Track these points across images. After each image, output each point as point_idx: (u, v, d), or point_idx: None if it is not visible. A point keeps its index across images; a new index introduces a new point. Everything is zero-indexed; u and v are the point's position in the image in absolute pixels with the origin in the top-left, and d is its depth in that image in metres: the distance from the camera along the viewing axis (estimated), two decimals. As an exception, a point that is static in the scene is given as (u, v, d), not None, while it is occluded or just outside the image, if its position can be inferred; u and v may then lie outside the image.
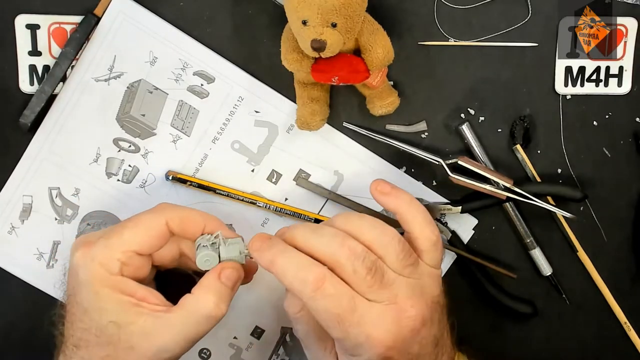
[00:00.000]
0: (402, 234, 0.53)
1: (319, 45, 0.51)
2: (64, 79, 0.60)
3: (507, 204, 0.63)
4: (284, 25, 0.56)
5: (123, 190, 0.63)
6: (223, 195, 0.62)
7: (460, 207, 0.62)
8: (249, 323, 0.65)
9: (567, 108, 0.63)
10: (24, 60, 0.60)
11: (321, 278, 0.47)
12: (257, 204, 0.63)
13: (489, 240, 0.65)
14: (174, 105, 0.62)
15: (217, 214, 0.57)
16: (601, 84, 0.63)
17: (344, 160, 0.63)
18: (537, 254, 0.64)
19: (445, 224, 0.64)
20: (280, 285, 0.50)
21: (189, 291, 0.53)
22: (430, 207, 0.61)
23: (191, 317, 0.51)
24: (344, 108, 0.62)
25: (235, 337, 0.65)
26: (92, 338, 0.51)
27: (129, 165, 0.63)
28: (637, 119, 0.63)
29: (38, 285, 0.64)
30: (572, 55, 0.62)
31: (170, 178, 0.62)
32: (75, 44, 0.59)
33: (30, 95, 0.60)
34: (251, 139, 0.62)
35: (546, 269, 0.64)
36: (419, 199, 0.55)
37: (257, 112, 0.62)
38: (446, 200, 0.63)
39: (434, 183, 0.63)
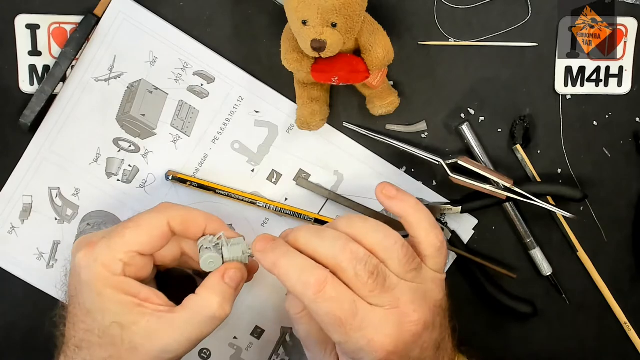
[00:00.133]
0: (405, 237, 0.52)
1: (319, 45, 0.51)
2: (64, 79, 0.60)
3: (507, 204, 0.63)
4: (284, 25, 0.56)
5: (123, 190, 0.63)
6: (223, 195, 0.62)
7: (460, 207, 0.62)
8: (249, 323, 0.65)
9: (567, 108, 0.63)
10: (24, 60, 0.60)
11: (323, 281, 0.47)
12: (257, 204, 0.62)
13: (489, 240, 0.65)
14: (174, 105, 0.62)
15: (217, 214, 0.57)
16: (601, 84, 0.63)
17: (344, 160, 0.63)
18: (537, 254, 0.64)
19: (445, 224, 0.64)
20: (280, 286, 0.50)
21: (189, 291, 0.52)
22: (430, 207, 0.61)
23: (195, 317, 0.51)
24: (344, 108, 0.62)
25: (235, 337, 0.65)
26: (95, 339, 0.51)
27: (129, 165, 0.63)
28: (637, 119, 0.63)
29: (38, 285, 0.64)
30: (572, 55, 0.62)
31: (170, 178, 0.62)
32: (75, 44, 0.59)
33: (30, 95, 0.60)
34: (251, 139, 0.62)
35: (546, 269, 0.64)
36: (419, 199, 0.55)
37: (257, 112, 0.62)
38: (446, 200, 0.63)
39: (434, 183, 0.63)
